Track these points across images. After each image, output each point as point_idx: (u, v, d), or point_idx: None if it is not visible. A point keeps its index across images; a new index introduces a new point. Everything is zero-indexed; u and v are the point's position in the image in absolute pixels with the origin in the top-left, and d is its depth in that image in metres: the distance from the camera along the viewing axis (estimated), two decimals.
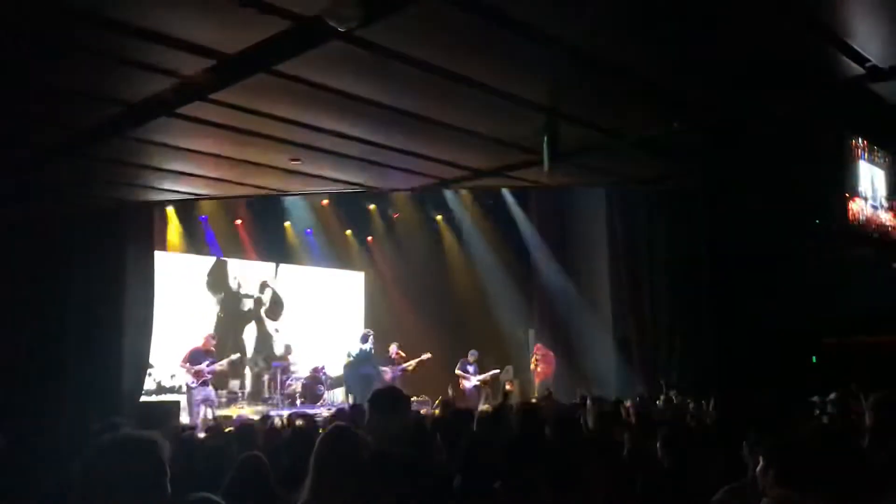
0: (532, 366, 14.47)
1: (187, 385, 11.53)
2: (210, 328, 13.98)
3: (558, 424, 5.16)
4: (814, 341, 9.44)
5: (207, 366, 11.51)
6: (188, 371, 11.46)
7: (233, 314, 14.95)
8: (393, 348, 14.24)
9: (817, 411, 7.00)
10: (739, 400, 6.29)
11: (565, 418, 5.39)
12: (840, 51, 5.49)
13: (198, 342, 11.82)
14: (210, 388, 11.67)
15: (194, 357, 11.63)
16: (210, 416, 11.46)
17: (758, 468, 3.07)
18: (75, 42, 5.22)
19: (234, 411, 12.00)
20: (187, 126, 6.89)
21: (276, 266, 15.73)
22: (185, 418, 11.82)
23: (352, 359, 13.95)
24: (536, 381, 14.32)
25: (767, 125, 6.56)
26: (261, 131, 7.12)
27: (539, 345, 14.67)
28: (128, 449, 2.17)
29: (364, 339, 14.00)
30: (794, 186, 6.70)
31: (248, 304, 15.27)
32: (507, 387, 14.29)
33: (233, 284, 15.05)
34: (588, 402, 8.16)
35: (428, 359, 14.16)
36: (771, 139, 6.59)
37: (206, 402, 11.47)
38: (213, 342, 12.27)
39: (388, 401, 3.54)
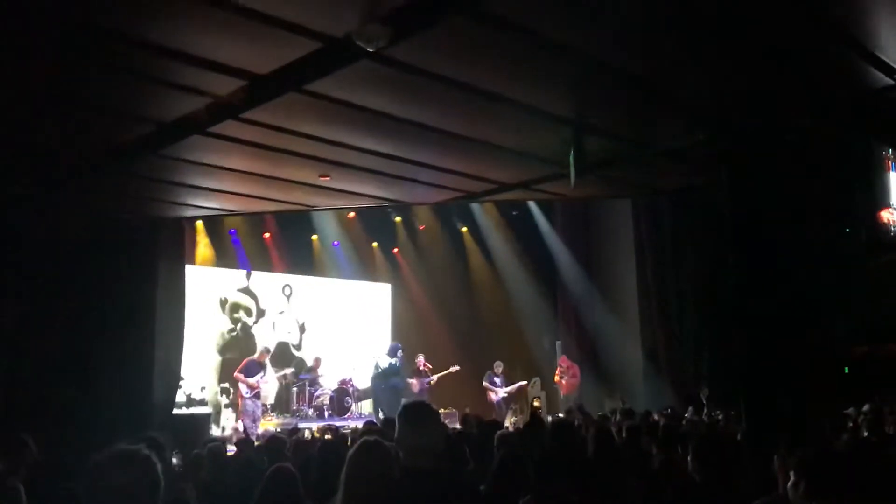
0: (557, 378, 14.42)
1: (241, 396, 12.02)
2: (235, 341, 14.21)
3: (589, 438, 5.18)
4: (845, 351, 9.33)
5: (261, 378, 11.98)
6: (242, 381, 11.95)
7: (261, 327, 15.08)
8: (420, 359, 14.29)
9: (850, 423, 6.92)
10: (770, 412, 6.24)
11: (596, 432, 5.40)
12: (868, 62, 5.47)
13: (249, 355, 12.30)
14: (259, 400, 12.10)
15: (249, 369, 12.03)
16: (241, 428, 11.64)
17: (789, 483, 3.07)
18: (113, 63, 5.36)
19: (263, 424, 12.16)
20: (219, 144, 7.02)
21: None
22: (215, 430, 12.06)
23: (380, 371, 14.04)
24: (562, 394, 14.27)
25: (796, 136, 6.53)
26: (291, 148, 7.23)
27: (564, 357, 14.62)
28: (122, 464, 2.26)
29: (393, 353, 14.09)
30: (823, 197, 6.66)
31: (274, 318, 15.38)
32: (535, 403, 14.26)
33: (261, 298, 15.18)
34: (617, 414, 8.15)
35: (456, 371, 14.20)
36: (799, 150, 6.56)
37: (255, 414, 11.82)
38: (268, 356, 12.67)
39: (419, 414, 3.57)
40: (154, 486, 2.27)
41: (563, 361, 14.44)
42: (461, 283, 16.28)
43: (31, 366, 8.97)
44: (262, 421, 12.15)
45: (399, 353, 14.04)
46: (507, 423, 11.35)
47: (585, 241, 15.71)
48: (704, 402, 10.66)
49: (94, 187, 8.67)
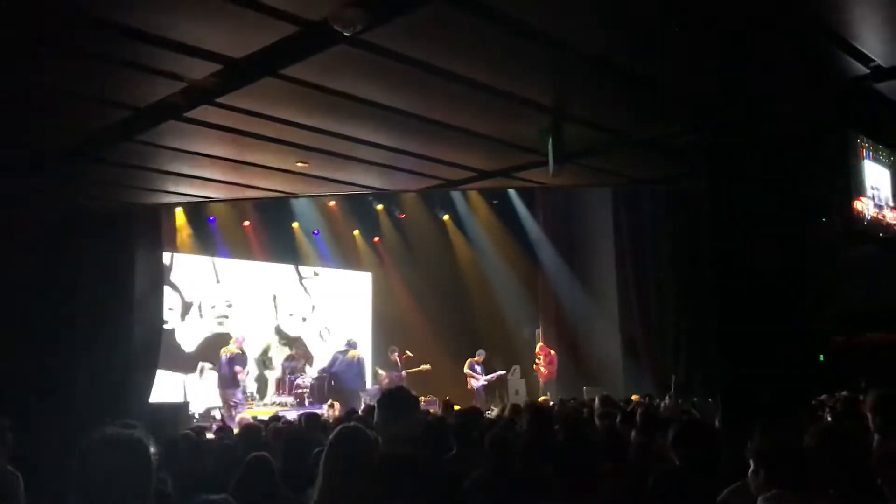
0: (535, 366, 14.49)
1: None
2: (221, 328, 14.15)
3: (568, 424, 5.20)
4: (821, 339, 9.45)
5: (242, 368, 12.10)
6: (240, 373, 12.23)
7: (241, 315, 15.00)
8: (395, 353, 14.35)
9: (824, 410, 7.00)
10: (746, 399, 6.29)
11: (575, 418, 5.43)
12: (844, 51, 5.50)
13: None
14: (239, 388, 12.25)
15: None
16: (218, 416, 11.60)
17: (749, 471, 3.11)
18: (84, 47, 5.28)
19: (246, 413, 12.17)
20: (195, 130, 6.95)
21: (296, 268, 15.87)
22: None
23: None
24: (542, 381, 14.34)
25: (772, 125, 6.57)
26: (268, 134, 7.17)
27: (542, 345, 14.68)
28: (115, 447, 2.25)
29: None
30: (800, 186, 6.70)
31: (255, 306, 15.30)
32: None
33: (242, 285, 15.09)
34: (596, 401, 8.19)
35: (427, 370, 14.29)
36: (776, 139, 6.60)
37: (238, 402, 11.96)
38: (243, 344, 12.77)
39: (398, 402, 3.57)
40: (147, 469, 2.26)
41: (541, 350, 14.52)
42: (442, 271, 16.29)
43: (5, 354, 8.85)
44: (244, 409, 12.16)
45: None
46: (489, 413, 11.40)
47: (566, 230, 15.77)
48: (674, 388, 10.76)
49: (69, 175, 8.56)
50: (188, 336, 14.00)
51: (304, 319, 15.84)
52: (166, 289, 12.43)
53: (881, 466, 2.83)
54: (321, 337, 15.89)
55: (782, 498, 2.73)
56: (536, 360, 14.46)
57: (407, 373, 14.22)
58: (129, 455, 2.24)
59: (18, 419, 5.14)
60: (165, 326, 12.57)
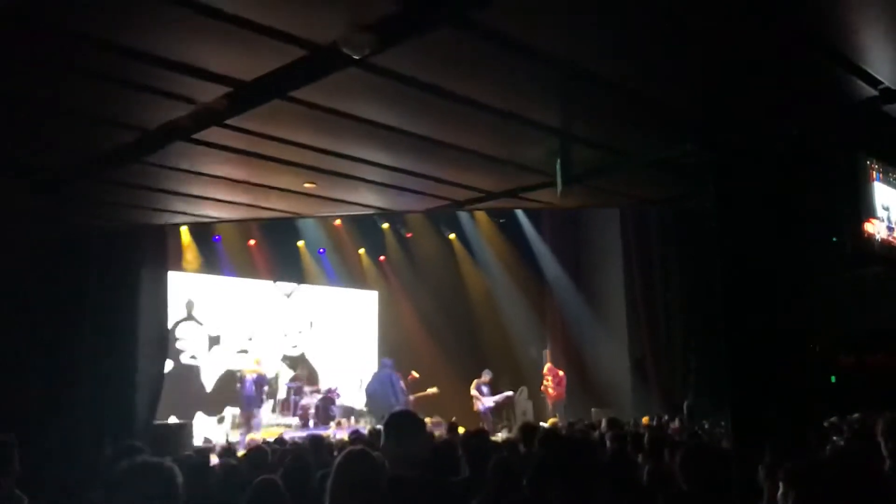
0: (543, 388, 14.40)
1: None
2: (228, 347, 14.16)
3: (576, 448, 5.15)
4: (831, 361, 9.39)
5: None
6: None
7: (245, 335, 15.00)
8: (414, 375, 14.35)
9: (835, 435, 6.93)
10: (756, 422, 6.24)
11: (583, 442, 5.38)
12: (853, 74, 5.50)
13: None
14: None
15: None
16: (226, 439, 11.58)
17: (778, 493, 3.06)
18: (93, 69, 5.30)
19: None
20: (203, 151, 6.96)
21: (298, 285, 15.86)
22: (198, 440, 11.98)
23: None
24: (550, 403, 14.26)
25: (781, 146, 6.57)
26: (276, 156, 7.18)
27: (550, 366, 14.61)
28: (146, 475, 2.28)
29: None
30: (809, 207, 6.69)
31: (261, 324, 15.29)
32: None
33: (246, 306, 15.10)
34: (604, 423, 8.14)
35: (434, 394, 14.24)
36: (785, 160, 6.60)
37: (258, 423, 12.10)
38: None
39: (404, 424, 3.55)
40: (175, 499, 2.29)
41: (549, 371, 14.45)
42: (449, 290, 16.29)
43: (11, 375, 8.85)
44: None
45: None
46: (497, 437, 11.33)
47: (573, 249, 15.76)
48: (687, 412, 10.69)
49: (77, 195, 8.59)
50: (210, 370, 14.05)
51: (308, 339, 15.81)
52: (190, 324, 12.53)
53: None
54: (325, 357, 15.85)
55: None
56: (545, 382, 14.38)
57: (415, 397, 14.14)
58: (160, 484, 2.27)
59: (22, 438, 5.13)
60: (191, 362, 12.69)
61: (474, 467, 4.76)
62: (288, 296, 15.66)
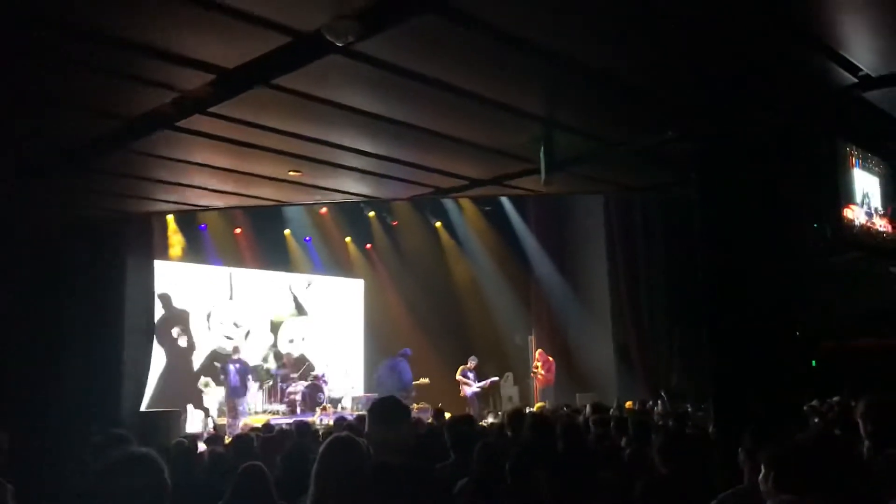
0: (533, 373, 14.51)
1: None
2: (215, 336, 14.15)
3: (562, 432, 5.22)
4: (812, 345, 9.50)
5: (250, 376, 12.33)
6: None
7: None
8: None
9: (816, 417, 7.04)
10: (737, 406, 6.32)
11: (569, 426, 5.44)
12: (833, 61, 5.54)
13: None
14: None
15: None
16: (211, 425, 11.60)
17: (760, 475, 3.12)
18: (76, 57, 5.27)
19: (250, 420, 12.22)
20: (187, 139, 6.94)
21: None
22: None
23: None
24: (539, 388, 14.34)
25: (762, 134, 6.62)
26: (260, 143, 7.17)
27: (541, 351, 14.70)
28: (133, 467, 2.28)
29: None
30: (790, 193, 6.75)
31: (249, 313, 15.28)
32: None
33: (234, 293, 15.09)
34: (587, 408, 8.22)
35: (425, 384, 14.31)
36: (766, 147, 6.65)
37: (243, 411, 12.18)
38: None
39: (388, 410, 3.59)
40: (162, 490, 2.30)
41: (540, 356, 14.52)
42: (435, 278, 16.32)
43: None
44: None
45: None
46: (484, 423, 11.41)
47: (558, 236, 15.82)
48: (665, 397, 10.79)
49: (60, 184, 8.53)
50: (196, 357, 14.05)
51: (295, 327, 15.82)
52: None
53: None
54: (312, 344, 15.86)
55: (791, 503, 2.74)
56: (535, 368, 14.46)
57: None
58: (147, 475, 2.28)
59: (7, 426, 5.13)
60: (179, 350, 12.68)
61: (460, 453, 4.81)
62: (308, 286, 15.74)
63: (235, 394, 12.16)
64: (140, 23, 4.77)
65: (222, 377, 12.43)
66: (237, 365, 12.32)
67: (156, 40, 4.98)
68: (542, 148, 7.27)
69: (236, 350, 12.76)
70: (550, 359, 14.47)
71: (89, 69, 5.44)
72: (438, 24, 4.78)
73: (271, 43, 5.02)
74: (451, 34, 4.96)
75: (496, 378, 14.88)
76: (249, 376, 12.53)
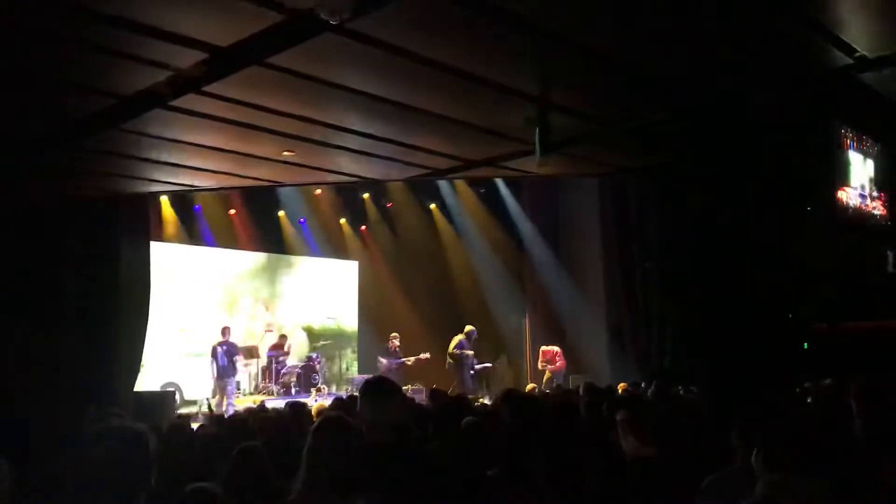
0: (540, 367, 14.33)
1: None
2: (208, 317, 14.13)
3: (554, 413, 5.23)
4: (804, 327, 9.54)
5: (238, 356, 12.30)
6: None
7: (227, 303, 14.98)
8: (395, 342, 14.28)
9: (809, 399, 7.08)
10: (730, 387, 6.36)
11: (561, 407, 5.45)
12: (829, 42, 5.53)
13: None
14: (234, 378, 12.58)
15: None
16: (205, 406, 11.64)
17: (752, 455, 3.14)
18: (68, 35, 5.23)
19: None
20: (181, 118, 6.90)
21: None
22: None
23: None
24: (548, 375, 14.09)
25: (757, 114, 6.61)
26: (255, 123, 7.14)
27: (544, 348, 14.44)
28: (115, 438, 2.28)
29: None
30: (784, 175, 6.76)
31: (242, 294, 15.28)
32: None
33: (227, 274, 15.06)
34: (581, 389, 8.24)
35: (426, 358, 14.22)
36: (761, 128, 6.65)
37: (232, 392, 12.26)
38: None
39: (379, 389, 3.59)
40: (146, 462, 2.30)
41: (543, 353, 14.31)
42: (429, 260, 16.30)
43: None
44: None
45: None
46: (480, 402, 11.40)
47: (553, 218, 15.81)
48: (656, 377, 10.82)
49: (53, 164, 8.50)
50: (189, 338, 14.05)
51: (290, 308, 15.83)
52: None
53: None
54: (307, 324, 15.89)
55: (783, 482, 2.76)
56: (541, 366, 14.26)
57: (409, 360, 14.15)
58: (130, 447, 2.27)
59: (2, 408, 5.14)
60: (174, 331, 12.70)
61: (449, 432, 4.81)
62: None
63: (224, 374, 12.15)
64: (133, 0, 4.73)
65: (211, 359, 12.41)
66: (224, 347, 12.30)
67: (148, 17, 4.94)
68: (537, 129, 7.25)
69: (225, 331, 12.69)
70: (555, 349, 14.25)
71: (80, 46, 5.40)
72: (432, 3, 4.76)
73: (265, 21, 4.99)
74: (444, 12, 4.93)
75: (488, 364, 14.78)
76: (237, 357, 12.48)
